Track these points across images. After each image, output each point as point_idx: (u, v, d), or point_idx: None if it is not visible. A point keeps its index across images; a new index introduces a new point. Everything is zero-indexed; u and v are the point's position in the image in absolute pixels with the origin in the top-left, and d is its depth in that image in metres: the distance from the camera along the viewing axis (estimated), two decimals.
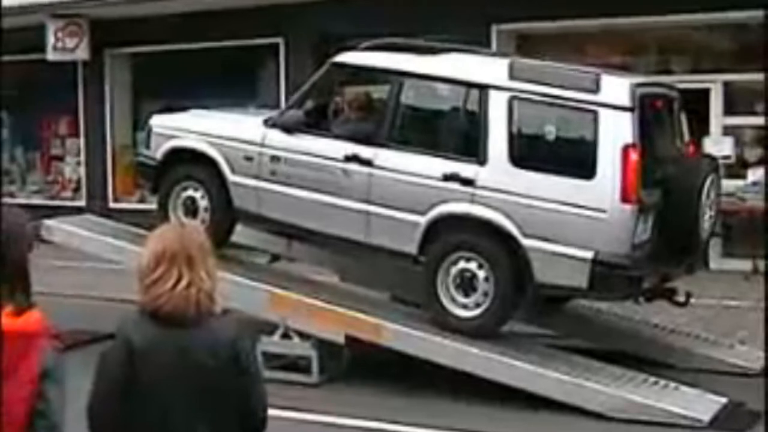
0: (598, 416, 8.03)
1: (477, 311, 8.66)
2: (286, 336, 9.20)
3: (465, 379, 8.45)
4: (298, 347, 9.17)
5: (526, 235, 8.36)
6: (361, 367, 9.18)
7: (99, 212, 14.31)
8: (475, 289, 8.65)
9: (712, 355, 9.54)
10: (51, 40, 16.97)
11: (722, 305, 11.64)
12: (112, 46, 17.43)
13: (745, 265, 12.96)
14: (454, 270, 8.70)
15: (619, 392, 8.20)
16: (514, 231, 8.40)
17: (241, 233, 10.59)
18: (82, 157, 18.26)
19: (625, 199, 8.13)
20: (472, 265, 8.63)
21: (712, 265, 13.60)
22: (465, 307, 8.70)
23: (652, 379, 8.59)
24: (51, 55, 17.08)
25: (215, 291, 3.49)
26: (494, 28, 14.50)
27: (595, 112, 8.24)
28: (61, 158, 18.73)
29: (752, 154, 13.74)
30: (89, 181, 18.14)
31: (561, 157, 8.52)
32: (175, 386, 3.37)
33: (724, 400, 8.26)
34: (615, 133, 8.18)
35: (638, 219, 8.26)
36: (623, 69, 12.18)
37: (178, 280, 3.39)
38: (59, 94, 18.00)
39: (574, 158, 8.44)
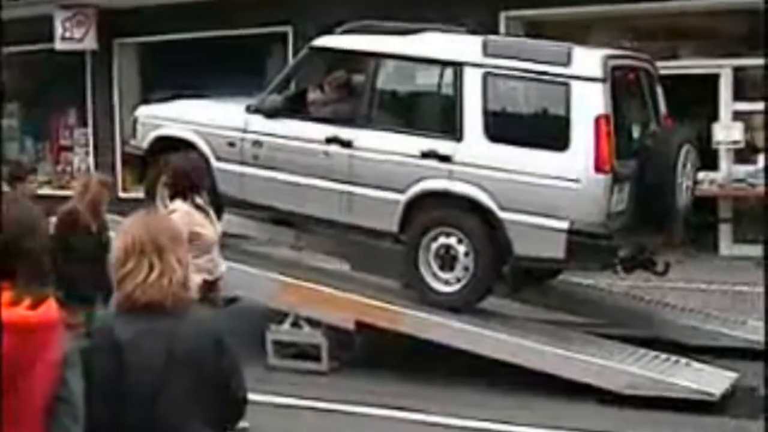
0: (613, 397, 8.04)
1: (458, 286, 8.76)
2: (296, 325, 9.22)
3: (478, 365, 8.46)
4: (308, 335, 9.19)
5: (503, 209, 8.45)
6: (372, 354, 9.19)
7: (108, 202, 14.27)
8: (455, 264, 8.69)
9: (724, 332, 9.57)
10: (59, 30, 16.93)
11: (734, 291, 11.63)
12: (120, 35, 17.40)
13: (756, 250, 12.90)
14: (434, 246, 8.79)
15: (630, 368, 8.25)
16: (492, 205, 8.48)
17: (249, 226, 10.62)
18: (91, 148, 18.26)
19: (598, 169, 8.21)
20: (452, 241, 8.72)
21: (723, 251, 13.67)
22: (446, 282, 8.79)
23: (664, 355, 8.62)
24: (59, 45, 17.05)
25: (188, 279, 3.47)
26: (502, 15, 14.47)
27: (567, 85, 8.33)
28: (70, 148, 18.72)
29: (762, 139, 13.67)
30: (98, 171, 18.11)
31: (536, 130, 8.66)
32: (165, 375, 3.36)
33: (734, 374, 8.33)
34: (587, 104, 8.28)
35: (613, 189, 8.34)
36: None
37: (149, 272, 3.36)
38: (67, 84, 17.98)
39: (549, 130, 8.55)
